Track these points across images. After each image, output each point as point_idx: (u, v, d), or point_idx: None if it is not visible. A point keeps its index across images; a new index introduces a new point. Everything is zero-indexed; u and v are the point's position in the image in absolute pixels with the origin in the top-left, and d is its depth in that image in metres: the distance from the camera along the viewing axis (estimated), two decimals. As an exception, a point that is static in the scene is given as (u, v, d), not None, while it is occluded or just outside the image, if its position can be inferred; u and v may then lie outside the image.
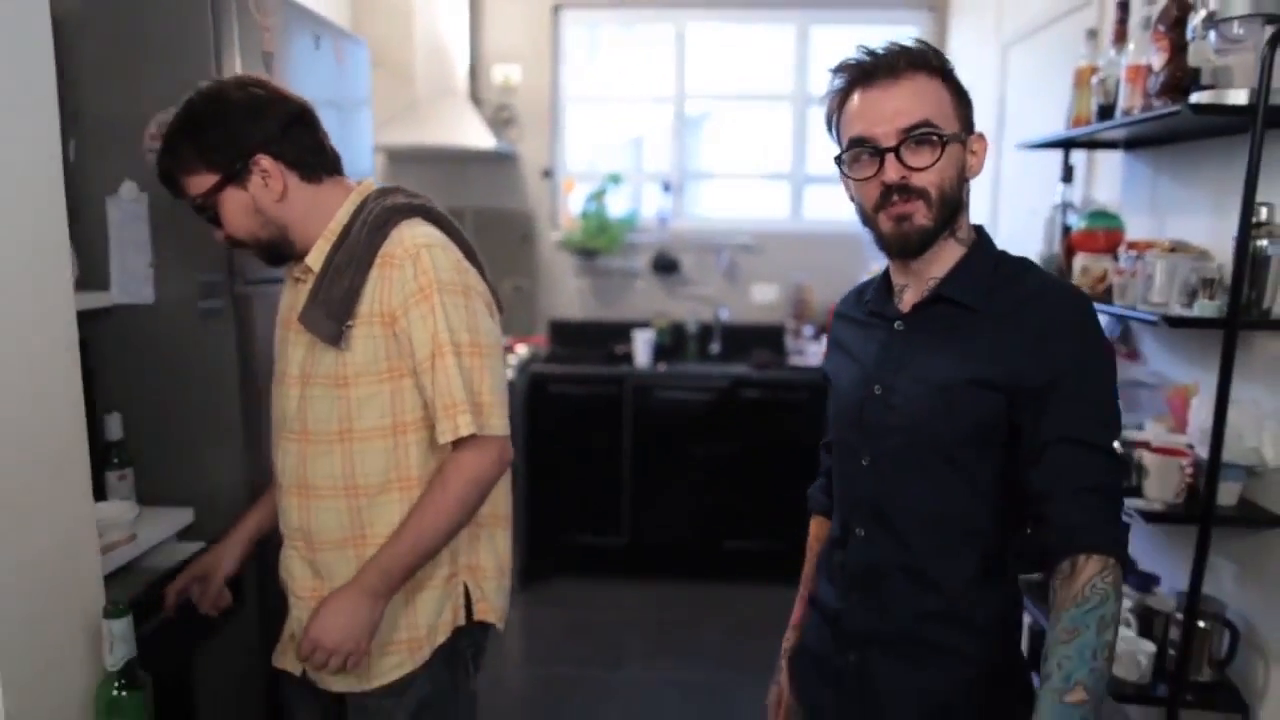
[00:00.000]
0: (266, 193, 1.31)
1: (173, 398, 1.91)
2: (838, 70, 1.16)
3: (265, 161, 1.29)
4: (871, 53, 1.13)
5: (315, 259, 1.34)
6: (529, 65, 4.27)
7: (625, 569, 3.93)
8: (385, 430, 1.32)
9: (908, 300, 1.20)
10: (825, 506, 1.38)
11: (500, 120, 4.26)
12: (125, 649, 1.05)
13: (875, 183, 1.12)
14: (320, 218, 1.34)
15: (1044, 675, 1.02)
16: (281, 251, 1.37)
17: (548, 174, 4.34)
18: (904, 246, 1.14)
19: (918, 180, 1.10)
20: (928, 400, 1.14)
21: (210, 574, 1.50)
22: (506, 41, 4.26)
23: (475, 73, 4.23)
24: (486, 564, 1.41)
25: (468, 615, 1.38)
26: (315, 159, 1.35)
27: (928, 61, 1.12)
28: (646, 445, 3.89)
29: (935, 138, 1.09)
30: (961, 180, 1.15)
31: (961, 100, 1.14)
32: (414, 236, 1.30)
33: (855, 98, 1.14)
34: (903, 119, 1.10)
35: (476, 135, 3.93)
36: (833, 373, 1.31)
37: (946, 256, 1.16)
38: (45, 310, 1.12)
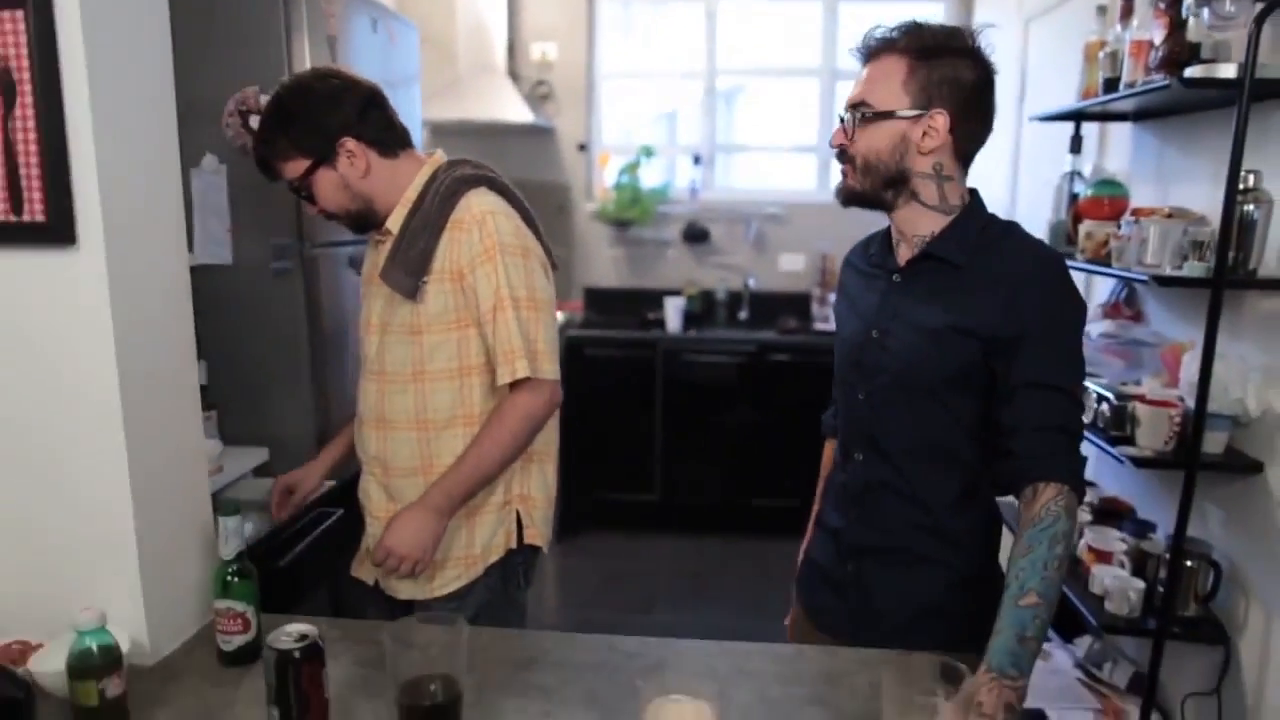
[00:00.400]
0: (353, 170, 1.47)
1: (248, 349, 2.13)
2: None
3: (350, 143, 1.46)
4: (866, 36, 1.30)
5: (394, 223, 1.51)
6: (565, 42, 4.43)
7: (657, 524, 4.13)
8: (453, 372, 1.50)
9: (903, 255, 1.35)
10: (835, 430, 1.55)
11: (538, 96, 4.43)
12: (237, 541, 1.26)
13: None
14: (398, 188, 1.51)
15: (1005, 585, 1.16)
16: (368, 220, 1.53)
17: (583, 147, 4.52)
18: (838, 197, 1.35)
19: (851, 149, 1.30)
20: (917, 344, 1.30)
21: (296, 488, 1.73)
22: (544, 19, 4.42)
23: (514, 50, 4.40)
24: (537, 494, 1.60)
25: (519, 539, 1.58)
26: (390, 136, 1.51)
27: (895, 44, 1.27)
28: (677, 407, 4.08)
29: (862, 115, 1.27)
30: (902, 153, 1.27)
31: (927, 77, 1.24)
32: (481, 204, 1.47)
33: None
34: (851, 97, 1.30)
35: (515, 110, 4.11)
36: (838, 316, 1.48)
37: (920, 219, 1.31)
38: (170, 271, 1.33)
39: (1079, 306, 1.28)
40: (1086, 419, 2.27)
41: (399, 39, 2.44)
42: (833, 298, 4.48)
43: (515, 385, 1.47)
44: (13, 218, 1.15)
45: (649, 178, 4.45)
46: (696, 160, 4.51)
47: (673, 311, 4.16)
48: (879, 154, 1.28)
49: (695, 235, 4.46)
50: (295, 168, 1.48)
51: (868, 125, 1.27)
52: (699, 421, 4.06)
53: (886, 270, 1.37)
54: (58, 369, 1.20)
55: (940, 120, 1.25)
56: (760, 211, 4.44)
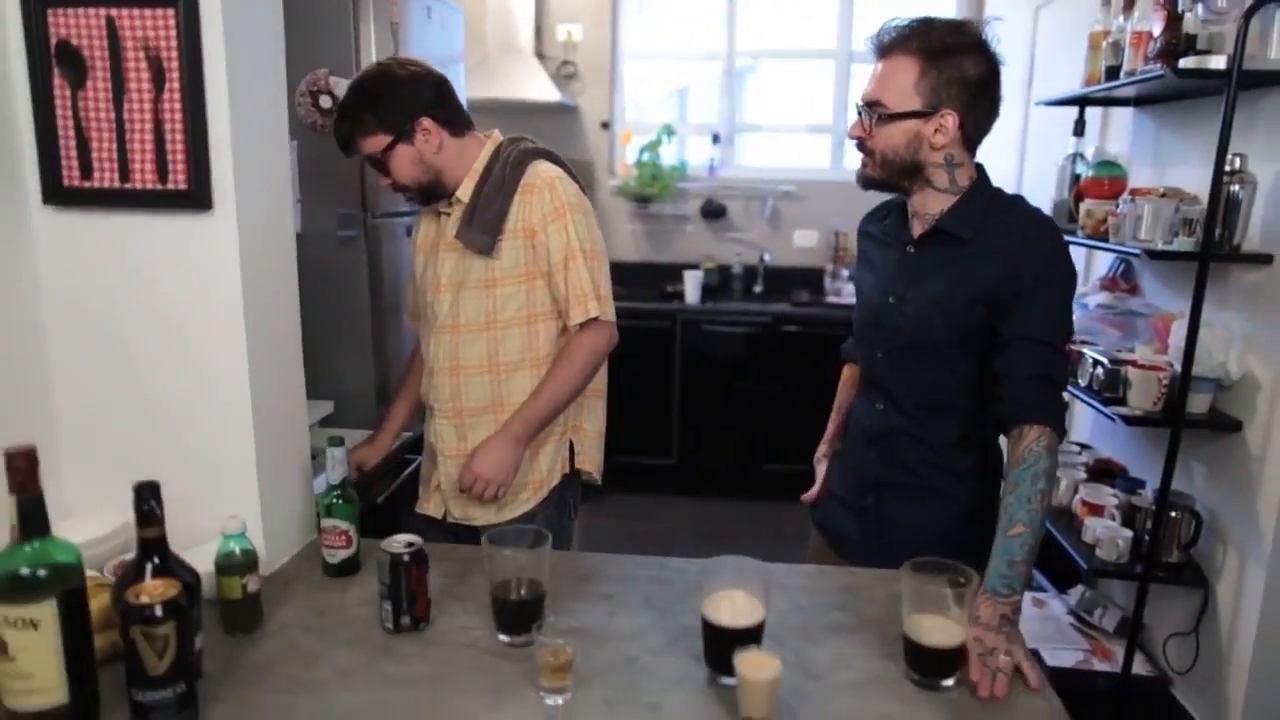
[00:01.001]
0: (427, 146, 1.64)
1: (316, 310, 2.30)
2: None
3: (426, 122, 1.63)
4: (880, 32, 1.43)
5: (465, 192, 1.69)
6: (590, 23, 4.58)
7: (674, 487, 4.34)
8: (521, 320, 1.69)
9: (916, 229, 1.52)
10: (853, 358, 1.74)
11: (563, 75, 4.60)
12: (342, 470, 1.45)
13: None
14: (466, 163, 1.70)
15: (999, 520, 1.34)
16: (436, 192, 1.70)
17: (606, 125, 4.68)
18: (859, 183, 1.50)
19: (869, 141, 1.43)
20: (928, 311, 1.47)
21: (364, 464, 1.90)
22: (569, 1, 4.57)
23: (540, 31, 4.56)
24: (588, 427, 1.82)
25: (571, 465, 1.79)
26: (459, 118, 1.70)
27: (909, 44, 1.37)
28: (694, 375, 4.27)
29: (878, 115, 1.40)
30: (915, 148, 1.41)
31: (937, 79, 1.36)
32: (548, 171, 1.68)
33: None
34: (866, 93, 1.43)
35: (542, 89, 4.28)
36: (860, 280, 1.66)
37: (932, 201, 1.46)
38: (282, 232, 1.52)
39: (1070, 273, 1.44)
40: (1082, 382, 2.46)
41: (448, 24, 2.62)
42: (845, 273, 4.66)
43: (582, 325, 1.67)
44: (159, 186, 1.34)
45: (669, 155, 4.61)
46: (715, 139, 4.68)
47: (691, 284, 4.34)
48: (895, 150, 1.42)
49: (713, 211, 4.64)
50: (377, 143, 1.65)
51: (883, 124, 1.41)
52: (715, 389, 4.26)
53: (901, 242, 1.53)
54: (195, 318, 1.39)
55: (950, 120, 1.39)
56: (775, 189, 4.61)
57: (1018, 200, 1.50)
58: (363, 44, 2.18)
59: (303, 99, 2.20)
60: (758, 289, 4.58)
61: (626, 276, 4.69)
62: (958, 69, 1.37)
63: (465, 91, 3.34)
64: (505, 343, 1.71)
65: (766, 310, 4.25)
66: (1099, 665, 2.48)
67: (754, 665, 1.06)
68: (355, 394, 2.34)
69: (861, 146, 1.46)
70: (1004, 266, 1.40)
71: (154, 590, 1.04)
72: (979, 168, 1.50)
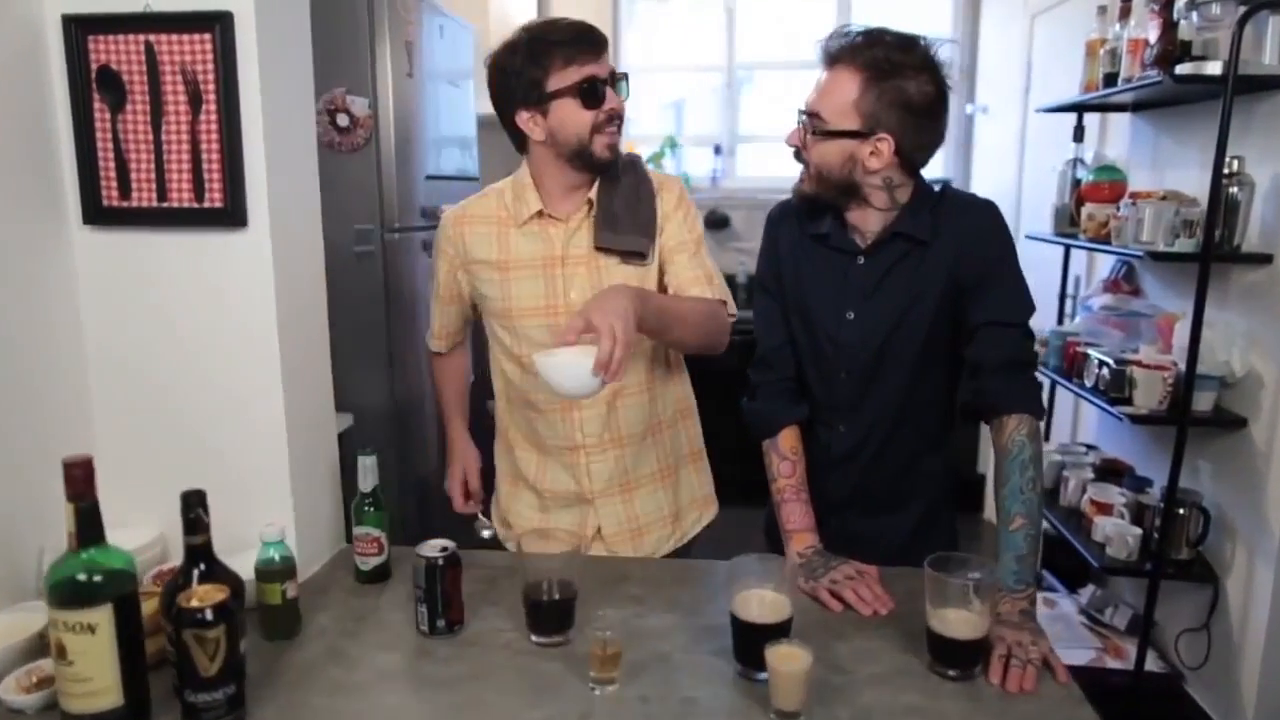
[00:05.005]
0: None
1: (333, 325, 2.35)
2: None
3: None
4: (829, 38, 1.40)
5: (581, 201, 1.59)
6: (592, 38, 4.64)
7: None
8: None
9: (860, 238, 1.45)
10: (794, 416, 1.57)
11: (566, 89, 4.65)
12: (373, 478, 1.48)
13: None
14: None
15: (996, 514, 1.36)
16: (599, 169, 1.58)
17: (609, 138, 4.73)
18: (794, 198, 1.50)
19: (805, 153, 1.40)
20: (893, 320, 1.43)
21: (468, 476, 1.84)
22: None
23: (543, 45, 4.61)
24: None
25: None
26: None
27: (855, 57, 1.34)
28: (706, 383, 4.29)
29: (814, 129, 1.37)
30: (850, 169, 1.37)
31: (878, 99, 1.32)
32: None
33: None
34: (808, 101, 1.40)
35: (546, 103, 4.33)
36: (800, 296, 1.53)
37: (871, 218, 1.43)
38: (312, 248, 1.56)
39: (1014, 246, 1.44)
40: (1088, 383, 2.50)
41: (460, 41, 2.67)
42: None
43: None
44: (195, 204, 1.38)
45: (670, 168, 4.66)
46: (717, 150, 4.73)
47: (697, 294, 4.38)
48: (830, 168, 1.39)
49: (716, 222, 4.68)
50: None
51: (819, 139, 1.37)
52: (726, 397, 4.28)
53: (846, 252, 1.46)
54: (231, 332, 1.43)
55: (885, 146, 1.35)
56: (777, 199, 4.65)
57: (947, 189, 1.50)
58: (378, 63, 2.22)
59: (320, 117, 2.25)
60: (762, 297, 4.61)
61: (631, 287, 4.72)
62: (900, 91, 1.33)
63: (475, 107, 3.42)
64: (658, 350, 1.65)
65: (771, 318, 4.29)
66: (1111, 663, 2.51)
67: (785, 658, 1.10)
68: (372, 407, 2.38)
69: (798, 156, 1.43)
70: (964, 254, 1.40)
71: (204, 595, 1.07)
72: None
